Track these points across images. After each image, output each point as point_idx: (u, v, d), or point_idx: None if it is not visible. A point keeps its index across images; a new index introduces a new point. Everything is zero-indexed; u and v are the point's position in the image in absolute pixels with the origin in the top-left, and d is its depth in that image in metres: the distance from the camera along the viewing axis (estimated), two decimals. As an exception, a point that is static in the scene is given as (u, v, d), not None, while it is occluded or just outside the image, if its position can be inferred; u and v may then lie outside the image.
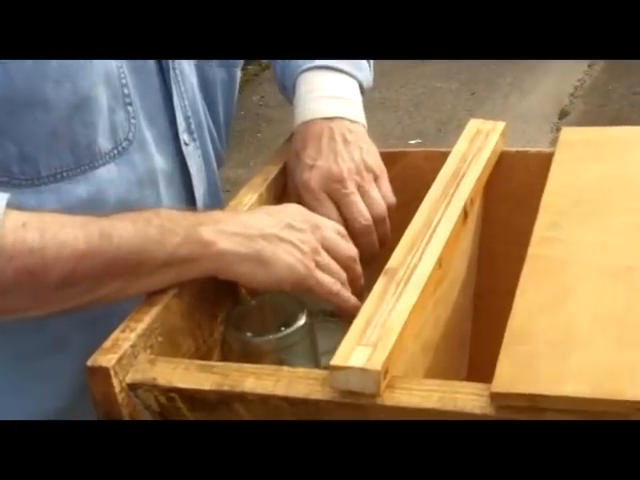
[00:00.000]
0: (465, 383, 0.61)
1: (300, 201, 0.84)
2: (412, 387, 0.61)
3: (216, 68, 0.90)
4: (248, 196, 0.86)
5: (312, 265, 0.74)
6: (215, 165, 0.91)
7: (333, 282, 0.75)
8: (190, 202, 0.86)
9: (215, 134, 0.91)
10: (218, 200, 0.92)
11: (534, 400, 0.57)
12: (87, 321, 0.75)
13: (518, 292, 0.67)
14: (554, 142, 0.85)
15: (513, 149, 0.90)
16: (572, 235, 0.72)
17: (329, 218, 0.80)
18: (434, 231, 0.75)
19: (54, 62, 0.74)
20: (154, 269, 0.71)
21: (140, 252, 0.70)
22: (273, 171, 0.91)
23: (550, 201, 0.77)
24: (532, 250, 0.71)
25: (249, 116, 3.81)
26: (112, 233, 0.70)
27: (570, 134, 0.87)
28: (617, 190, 0.76)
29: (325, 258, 0.75)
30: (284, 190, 0.91)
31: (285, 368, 0.66)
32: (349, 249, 0.78)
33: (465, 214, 0.79)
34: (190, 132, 0.86)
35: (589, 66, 3.97)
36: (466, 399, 0.59)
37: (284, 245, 0.73)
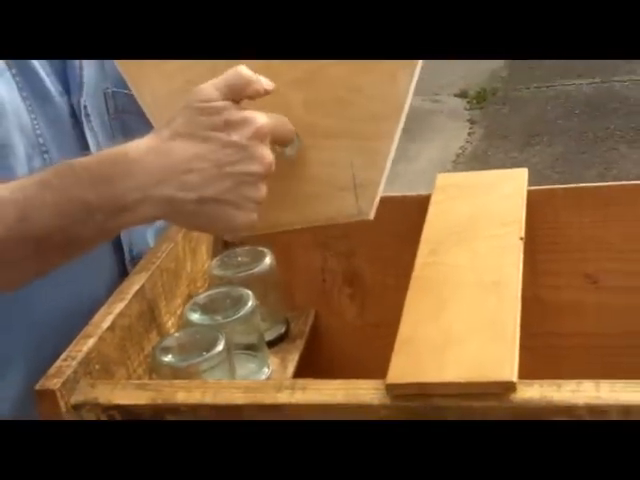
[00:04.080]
0: (365, 380, 0.72)
1: None
2: (320, 387, 0.72)
3: (135, 117, 0.96)
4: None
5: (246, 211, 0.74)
6: None
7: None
8: (116, 241, 0.94)
9: None
10: (145, 243, 0.99)
11: (422, 388, 0.68)
12: (29, 347, 0.83)
13: (405, 307, 0.79)
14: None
15: (398, 194, 1.03)
16: (448, 259, 0.85)
17: None
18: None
19: None
20: (87, 240, 0.74)
21: (65, 230, 0.72)
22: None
23: (429, 233, 0.90)
24: (415, 273, 0.84)
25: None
26: (31, 214, 0.71)
27: (444, 179, 1.01)
28: (483, 221, 0.90)
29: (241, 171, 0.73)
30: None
31: (211, 380, 0.76)
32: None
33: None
34: None
35: (469, 134, 4.22)
36: (366, 393, 0.70)
37: (212, 207, 0.73)
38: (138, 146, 0.73)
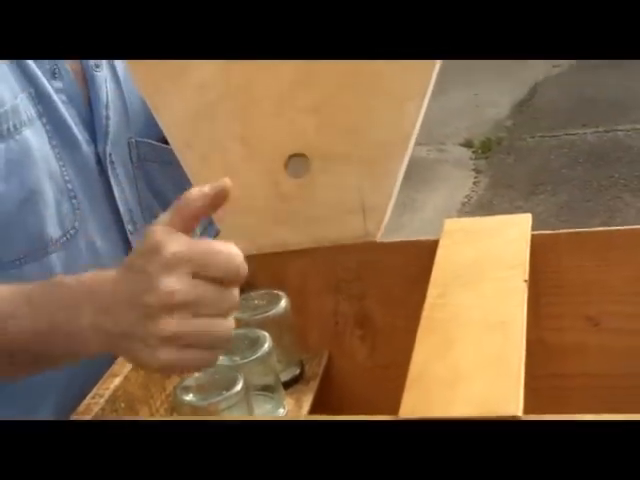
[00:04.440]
0: (379, 415, 0.75)
1: None
2: (336, 422, 0.76)
3: (158, 165, 1.02)
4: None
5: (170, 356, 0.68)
6: None
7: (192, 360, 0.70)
8: None
9: None
10: None
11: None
12: (60, 385, 0.87)
13: (415, 346, 0.83)
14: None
15: (407, 239, 1.07)
16: (455, 300, 0.89)
17: None
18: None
19: (2, 159, 0.87)
20: (57, 358, 0.76)
21: (36, 348, 0.74)
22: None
23: (437, 276, 0.94)
24: (425, 314, 0.88)
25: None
26: (10, 329, 0.73)
27: (451, 224, 1.06)
28: (489, 265, 0.94)
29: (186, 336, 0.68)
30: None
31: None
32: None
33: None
34: (134, 222, 0.99)
35: (474, 183, 4.28)
36: (380, 427, 0.74)
37: (141, 345, 0.69)
38: (102, 275, 0.72)
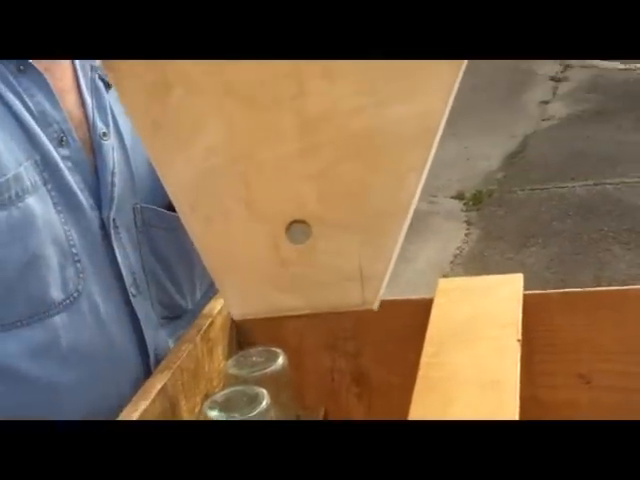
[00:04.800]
0: None
1: None
2: None
3: (162, 231, 1.04)
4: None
5: None
6: (170, 313, 1.06)
7: None
8: (140, 343, 1.00)
9: (169, 285, 1.06)
10: (166, 345, 1.05)
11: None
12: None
13: (412, 404, 0.84)
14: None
15: (402, 298, 1.10)
16: (451, 359, 0.91)
17: None
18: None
19: (4, 225, 0.88)
20: None
21: None
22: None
23: (432, 335, 0.96)
24: (421, 373, 0.90)
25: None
26: None
27: (445, 283, 1.09)
28: (482, 324, 0.97)
29: None
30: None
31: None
32: None
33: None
34: (137, 286, 1.01)
35: (466, 235, 4.32)
36: None
37: None
38: None
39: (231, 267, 0.86)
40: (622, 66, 6.07)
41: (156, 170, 0.89)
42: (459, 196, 4.77)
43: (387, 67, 0.80)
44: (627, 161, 4.74)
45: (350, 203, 0.86)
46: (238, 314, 0.92)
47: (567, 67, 6.31)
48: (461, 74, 0.82)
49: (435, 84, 0.82)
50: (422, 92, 0.82)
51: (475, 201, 4.70)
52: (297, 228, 0.87)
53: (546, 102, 5.80)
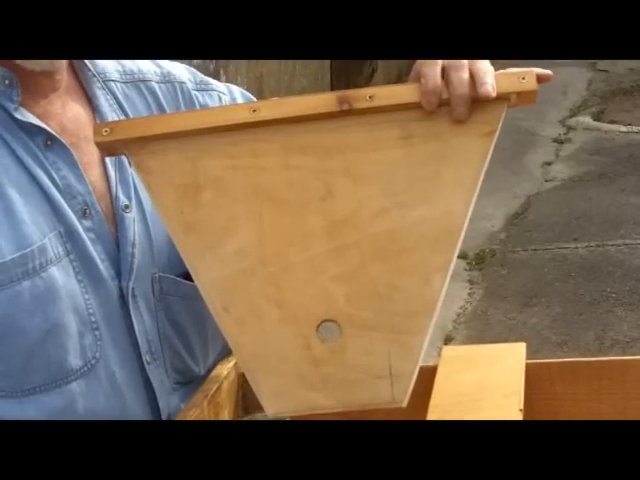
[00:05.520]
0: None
1: None
2: None
3: (179, 299, 1.06)
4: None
5: None
6: (183, 378, 1.07)
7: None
8: (154, 408, 1.02)
9: (184, 352, 1.07)
10: (179, 410, 1.05)
11: None
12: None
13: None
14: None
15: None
16: (455, 428, 0.93)
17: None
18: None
19: (27, 295, 0.91)
20: None
21: None
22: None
23: (437, 402, 0.98)
24: (425, 441, 0.91)
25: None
26: None
27: (449, 351, 1.11)
28: (486, 393, 0.99)
29: None
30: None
31: None
32: None
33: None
34: (152, 353, 1.03)
35: (469, 294, 4.33)
36: None
37: None
38: None
39: (264, 366, 0.89)
40: (625, 129, 6.13)
41: (190, 271, 0.91)
42: (462, 256, 4.78)
43: (409, 169, 0.83)
44: (629, 223, 4.77)
45: (378, 303, 0.88)
46: (272, 412, 0.93)
47: (570, 129, 6.38)
48: (482, 176, 0.85)
49: (457, 186, 0.85)
50: (444, 194, 0.85)
51: (478, 261, 4.72)
52: (327, 327, 0.88)
53: (549, 163, 5.85)
